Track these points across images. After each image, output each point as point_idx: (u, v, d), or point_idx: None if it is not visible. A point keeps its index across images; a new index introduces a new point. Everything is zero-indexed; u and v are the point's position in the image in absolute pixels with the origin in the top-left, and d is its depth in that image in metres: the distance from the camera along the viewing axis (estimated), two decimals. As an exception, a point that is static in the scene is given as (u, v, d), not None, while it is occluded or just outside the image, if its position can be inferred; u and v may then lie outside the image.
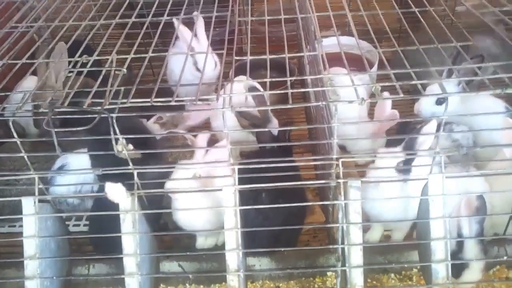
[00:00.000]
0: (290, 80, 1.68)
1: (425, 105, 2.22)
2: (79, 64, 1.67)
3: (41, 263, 1.66)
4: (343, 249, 1.59)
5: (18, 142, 1.54)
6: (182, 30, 2.36)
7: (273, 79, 1.56)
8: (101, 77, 1.59)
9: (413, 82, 1.50)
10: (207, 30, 2.47)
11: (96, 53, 1.76)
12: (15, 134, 1.54)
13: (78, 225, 2.29)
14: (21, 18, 2.09)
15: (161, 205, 1.98)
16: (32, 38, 2.00)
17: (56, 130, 1.41)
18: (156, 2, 2.08)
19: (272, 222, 1.78)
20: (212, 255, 1.83)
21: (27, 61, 1.75)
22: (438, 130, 1.55)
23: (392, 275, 1.83)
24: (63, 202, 2.20)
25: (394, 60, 2.22)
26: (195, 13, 2.12)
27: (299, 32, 2.86)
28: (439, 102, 2.18)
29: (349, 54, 1.62)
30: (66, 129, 1.43)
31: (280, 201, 1.68)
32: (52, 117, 1.45)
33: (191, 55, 2.35)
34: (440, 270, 1.53)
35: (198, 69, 2.46)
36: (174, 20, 2.10)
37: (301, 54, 2.17)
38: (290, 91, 1.52)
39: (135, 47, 1.72)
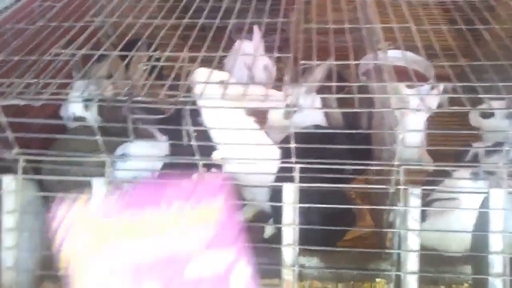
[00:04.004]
0: (350, 87, 1.73)
1: (473, 117, 2.34)
2: (152, 59, 1.80)
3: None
4: (397, 255, 1.61)
5: (95, 126, 1.64)
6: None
7: (338, 83, 1.63)
8: (173, 73, 1.69)
9: (481, 96, 1.53)
10: (268, 35, 2.57)
11: (169, 49, 1.86)
12: (94, 119, 1.64)
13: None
14: (93, 14, 2.22)
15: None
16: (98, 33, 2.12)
17: (134, 117, 1.50)
18: (223, 8, 2.17)
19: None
20: (262, 249, 1.86)
21: (105, 52, 1.87)
22: (502, 145, 1.56)
23: (443, 287, 1.83)
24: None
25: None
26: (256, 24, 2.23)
27: (356, 42, 2.90)
28: (484, 115, 2.27)
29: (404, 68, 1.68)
30: (144, 116, 1.52)
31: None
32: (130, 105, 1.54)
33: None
34: (498, 284, 1.53)
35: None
36: (255, 28, 2.26)
37: (369, 61, 2.22)
38: (357, 95, 1.57)
39: (205, 46, 1.83)
